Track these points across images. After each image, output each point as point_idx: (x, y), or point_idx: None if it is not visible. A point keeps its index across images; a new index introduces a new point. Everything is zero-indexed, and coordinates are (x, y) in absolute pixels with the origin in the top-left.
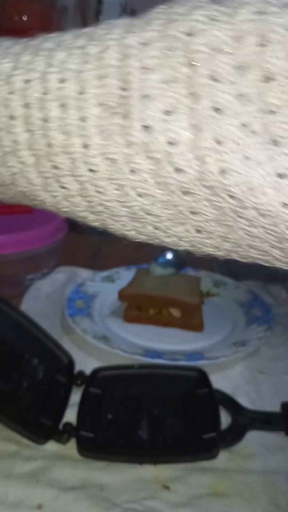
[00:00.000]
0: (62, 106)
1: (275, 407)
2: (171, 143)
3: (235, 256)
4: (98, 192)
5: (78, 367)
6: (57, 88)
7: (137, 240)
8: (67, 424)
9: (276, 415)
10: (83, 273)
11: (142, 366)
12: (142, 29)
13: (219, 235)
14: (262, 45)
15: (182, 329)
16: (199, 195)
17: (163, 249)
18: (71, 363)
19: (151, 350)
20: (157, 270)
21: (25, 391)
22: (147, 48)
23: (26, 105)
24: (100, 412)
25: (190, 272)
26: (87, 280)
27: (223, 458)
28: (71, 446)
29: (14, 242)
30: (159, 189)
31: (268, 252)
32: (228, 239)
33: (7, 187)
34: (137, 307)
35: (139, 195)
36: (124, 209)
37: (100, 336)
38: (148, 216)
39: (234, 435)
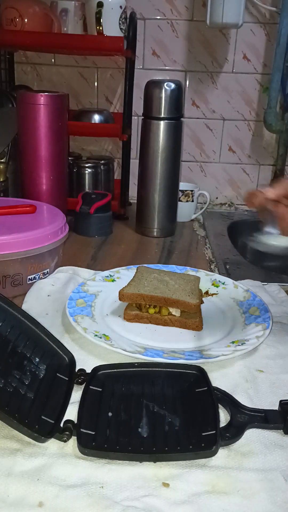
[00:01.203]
0: None
1: (274, 405)
2: None
3: None
4: None
5: (79, 366)
6: None
7: None
8: (68, 422)
9: (274, 413)
10: (84, 273)
11: (142, 365)
12: None
13: None
14: None
15: (182, 328)
16: None
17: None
18: (72, 362)
19: (151, 348)
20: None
21: (27, 390)
22: None
23: None
24: (100, 410)
25: (190, 272)
26: (88, 280)
27: (222, 455)
28: (72, 444)
29: (16, 242)
30: None
31: None
32: None
33: None
34: (137, 306)
35: None
36: None
37: (100, 335)
38: None
39: (233, 433)
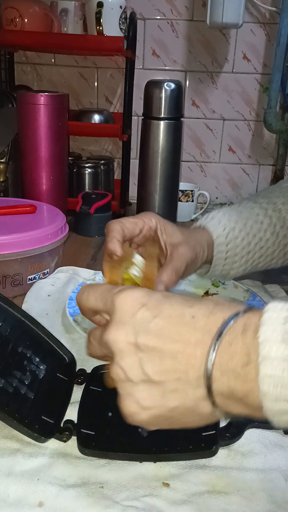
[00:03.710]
0: None
1: None
2: None
3: None
4: None
5: (79, 366)
6: None
7: None
8: (68, 422)
9: None
10: (84, 273)
11: None
12: None
13: None
14: None
15: None
16: None
17: None
18: (72, 362)
19: None
20: None
21: (27, 390)
22: None
23: None
24: (100, 410)
25: None
26: (88, 280)
27: (222, 455)
28: (72, 444)
29: (16, 242)
30: None
31: None
32: None
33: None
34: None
35: None
36: None
37: None
38: None
39: (233, 433)
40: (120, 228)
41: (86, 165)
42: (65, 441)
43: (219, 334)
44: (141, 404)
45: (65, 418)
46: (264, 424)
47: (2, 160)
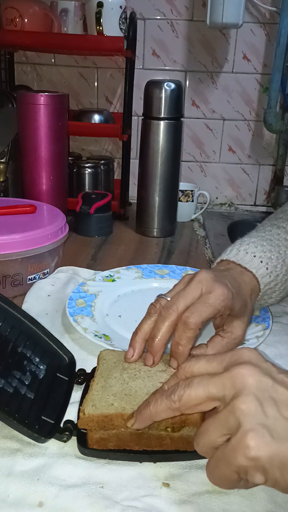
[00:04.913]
0: None
1: None
2: None
3: None
4: None
5: (79, 366)
6: None
7: None
8: (68, 422)
9: None
10: (84, 273)
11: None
12: None
13: None
14: None
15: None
16: None
17: None
18: (72, 362)
19: None
20: None
21: (27, 390)
22: None
23: None
24: None
25: (190, 272)
26: (88, 280)
27: None
28: (72, 444)
29: (16, 242)
30: None
31: None
32: None
33: None
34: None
35: None
36: None
37: (100, 335)
38: None
39: None
40: None
41: (86, 165)
42: (65, 441)
43: None
44: (271, 433)
45: (65, 418)
46: None
47: (2, 160)
